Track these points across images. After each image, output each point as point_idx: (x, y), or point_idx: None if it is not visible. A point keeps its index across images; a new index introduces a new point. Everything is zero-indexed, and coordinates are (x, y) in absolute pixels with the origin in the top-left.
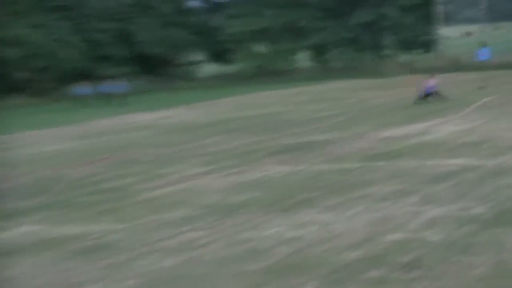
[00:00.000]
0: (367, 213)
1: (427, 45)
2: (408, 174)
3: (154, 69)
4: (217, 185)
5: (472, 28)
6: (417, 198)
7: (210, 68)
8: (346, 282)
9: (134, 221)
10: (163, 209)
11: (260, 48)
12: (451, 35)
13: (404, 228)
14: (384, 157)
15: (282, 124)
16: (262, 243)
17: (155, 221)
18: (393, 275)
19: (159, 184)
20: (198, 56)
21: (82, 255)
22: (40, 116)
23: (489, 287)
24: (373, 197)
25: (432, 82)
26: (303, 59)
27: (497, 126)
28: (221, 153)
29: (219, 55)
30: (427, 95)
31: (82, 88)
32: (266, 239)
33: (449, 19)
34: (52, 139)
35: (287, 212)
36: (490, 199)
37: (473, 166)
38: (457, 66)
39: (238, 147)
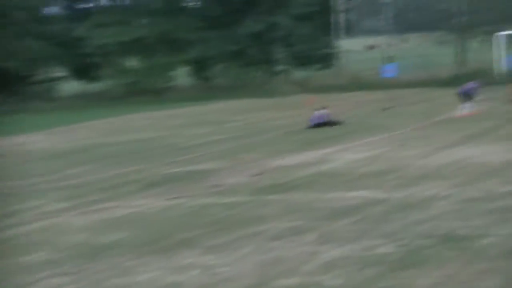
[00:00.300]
0: (257, 254)
1: (326, 60)
2: (303, 209)
3: (5, 87)
4: (82, 223)
5: (377, 40)
6: (314, 237)
7: (73, 86)
8: None
9: None
10: (18, 252)
11: (132, 62)
12: (352, 48)
13: (299, 271)
14: (276, 190)
15: (158, 151)
16: None
17: (8, 266)
18: None
19: (12, 222)
20: (59, 71)
21: None
22: None
23: None
24: (264, 235)
25: (322, 112)
26: (182, 75)
27: (404, 153)
28: (86, 186)
29: (83, 71)
30: (317, 125)
31: None
32: (140, 285)
33: (351, 30)
34: None
35: (164, 254)
36: (397, 237)
37: (377, 199)
38: (359, 84)
39: (106, 179)
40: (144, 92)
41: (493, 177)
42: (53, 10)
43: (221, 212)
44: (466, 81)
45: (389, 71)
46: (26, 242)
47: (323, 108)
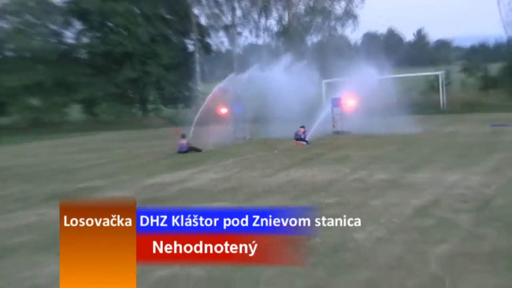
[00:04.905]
0: None
1: (188, 100)
2: None
3: None
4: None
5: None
6: None
7: None
8: None
9: None
10: None
11: (34, 101)
12: (207, 91)
13: None
14: (148, 202)
15: (54, 171)
16: None
17: None
18: None
19: None
20: None
21: None
22: None
23: None
24: None
25: (183, 141)
26: (75, 111)
27: (251, 174)
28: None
29: None
30: (184, 152)
31: None
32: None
33: (206, 77)
34: None
35: None
36: None
37: None
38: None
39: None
40: (45, 125)
41: (320, 191)
42: None
43: None
44: None
45: (237, 108)
46: None
47: (182, 137)
